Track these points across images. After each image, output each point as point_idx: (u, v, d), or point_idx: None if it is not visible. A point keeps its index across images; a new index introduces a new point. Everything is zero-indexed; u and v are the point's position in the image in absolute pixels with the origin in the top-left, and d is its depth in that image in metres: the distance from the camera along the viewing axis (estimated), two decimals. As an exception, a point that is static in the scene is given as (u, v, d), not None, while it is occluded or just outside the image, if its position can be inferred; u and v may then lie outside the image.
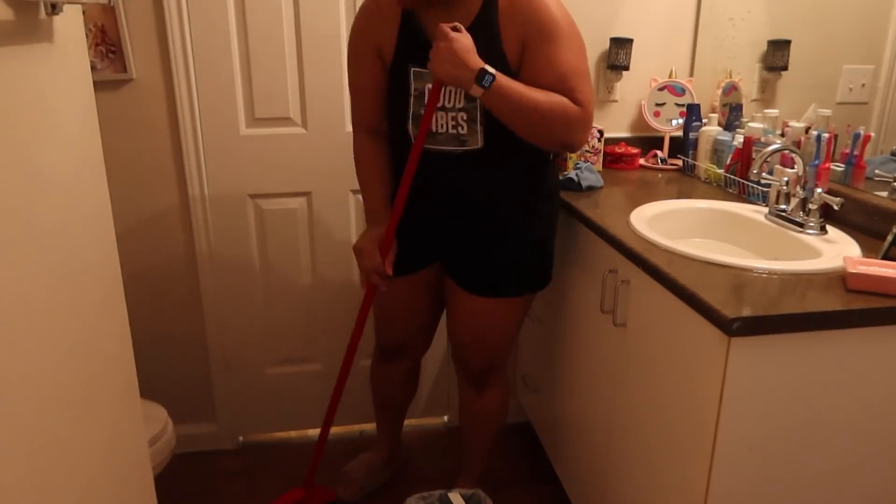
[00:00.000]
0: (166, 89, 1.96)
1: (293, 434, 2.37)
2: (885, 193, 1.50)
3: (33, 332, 0.84)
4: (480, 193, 1.58)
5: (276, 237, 2.15)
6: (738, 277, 1.23)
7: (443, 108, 1.51)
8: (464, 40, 1.38)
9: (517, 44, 1.44)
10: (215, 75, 1.97)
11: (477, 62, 1.38)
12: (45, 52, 0.93)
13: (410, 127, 1.55)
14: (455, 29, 1.39)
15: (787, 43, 1.90)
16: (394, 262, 1.66)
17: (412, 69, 1.51)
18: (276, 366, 2.29)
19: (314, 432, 2.38)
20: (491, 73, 1.37)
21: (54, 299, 0.91)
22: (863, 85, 1.61)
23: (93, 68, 1.89)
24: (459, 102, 1.49)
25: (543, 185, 1.64)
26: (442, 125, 1.52)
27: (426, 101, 1.50)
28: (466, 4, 1.45)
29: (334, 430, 2.37)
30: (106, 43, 1.88)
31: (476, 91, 1.38)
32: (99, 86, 1.87)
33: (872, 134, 1.56)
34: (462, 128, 1.50)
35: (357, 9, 1.99)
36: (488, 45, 1.43)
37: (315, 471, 1.91)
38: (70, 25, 1.04)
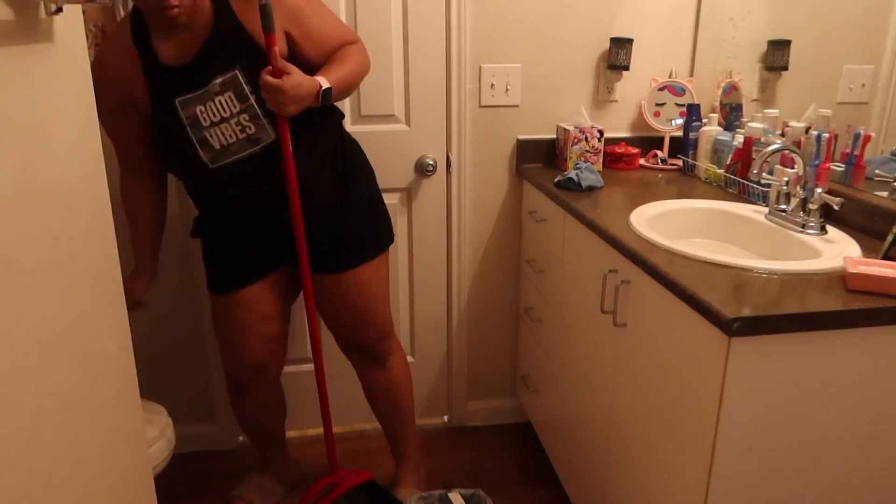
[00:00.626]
0: (166, 89, 1.96)
1: (293, 434, 2.37)
2: (885, 193, 1.49)
3: (33, 332, 0.84)
4: (299, 176, 1.59)
5: (276, 237, 2.15)
6: (738, 277, 1.23)
7: (222, 121, 1.52)
8: (294, 77, 1.44)
9: (279, 33, 1.50)
10: (215, 75, 1.97)
11: (314, 84, 1.47)
12: (45, 52, 0.93)
13: (202, 154, 1.55)
14: (274, 72, 1.43)
15: (787, 43, 1.90)
16: (234, 274, 1.70)
17: (177, 101, 1.51)
18: (276, 366, 2.28)
19: (314, 432, 2.38)
20: (328, 86, 1.49)
21: (54, 299, 0.91)
22: (863, 85, 1.61)
23: (93, 68, 1.89)
24: (235, 107, 1.51)
25: (347, 147, 1.70)
26: (230, 135, 1.53)
27: (278, 141, 1.52)
28: (199, 16, 1.48)
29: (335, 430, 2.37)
30: (106, 43, 1.88)
31: (318, 104, 1.49)
32: (99, 86, 1.87)
33: (873, 134, 1.56)
34: (250, 128, 1.53)
35: (356, 12, 2.00)
36: (238, 42, 1.49)
37: (335, 455, 1.84)
38: (70, 25, 1.04)
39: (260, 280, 1.71)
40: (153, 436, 1.75)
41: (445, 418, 2.47)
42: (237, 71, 1.50)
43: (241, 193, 1.60)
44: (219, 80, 1.50)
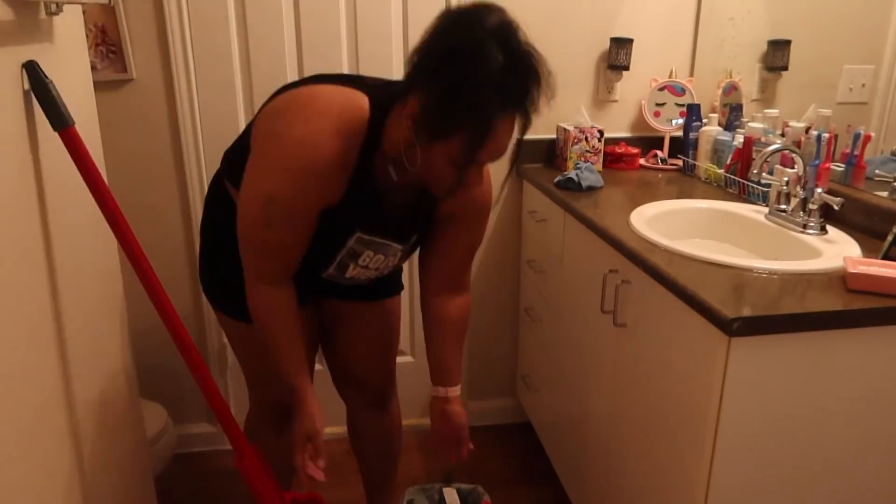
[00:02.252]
0: (166, 89, 1.96)
1: (293, 434, 2.37)
2: (885, 193, 1.49)
3: (34, 332, 0.84)
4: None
5: (276, 237, 2.15)
6: (738, 277, 1.23)
7: (374, 270, 1.38)
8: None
9: (446, 211, 1.36)
10: (215, 75, 1.97)
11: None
12: (45, 52, 0.93)
13: (329, 269, 1.35)
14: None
15: (787, 43, 1.90)
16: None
17: (359, 233, 1.29)
18: (277, 366, 2.29)
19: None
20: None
21: (55, 300, 0.91)
22: (863, 85, 1.61)
23: (93, 68, 1.89)
24: (393, 263, 1.39)
25: None
26: (366, 277, 1.41)
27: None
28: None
29: (335, 430, 2.37)
30: (106, 43, 1.88)
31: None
32: (99, 86, 1.87)
33: (873, 134, 1.56)
34: (382, 273, 1.43)
35: (357, 11, 2.00)
36: (429, 214, 1.35)
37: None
38: (70, 25, 1.05)
39: (307, 302, 1.51)
40: (153, 436, 1.76)
41: (445, 418, 2.47)
42: (416, 237, 1.38)
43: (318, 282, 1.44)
44: (411, 241, 1.36)
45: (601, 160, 2.14)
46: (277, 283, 1.29)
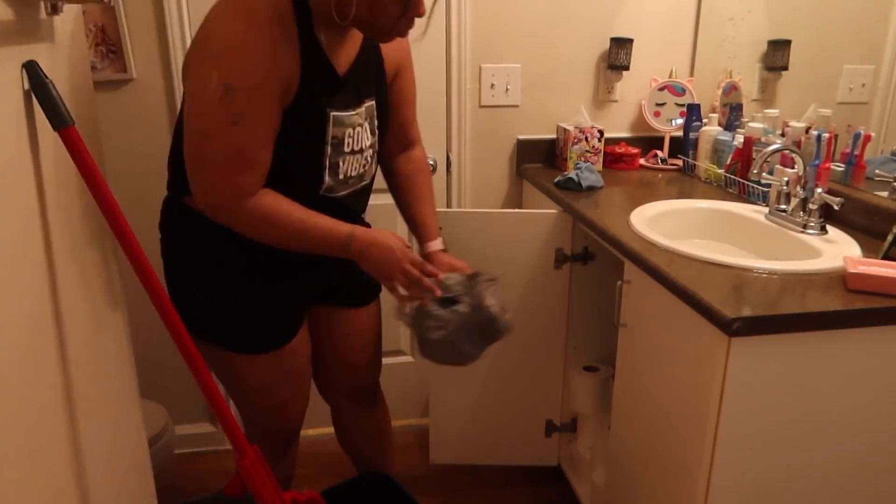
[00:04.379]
0: (166, 89, 1.96)
1: (293, 434, 2.37)
2: (885, 193, 1.49)
3: (34, 332, 0.84)
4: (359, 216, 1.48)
5: (276, 237, 2.15)
6: (738, 277, 1.23)
7: (359, 152, 1.33)
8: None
9: (393, 69, 1.40)
10: (215, 75, 1.97)
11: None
12: (45, 52, 0.93)
13: (327, 177, 1.29)
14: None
15: (788, 43, 1.90)
16: (287, 323, 1.43)
17: (331, 113, 1.24)
18: (276, 366, 2.29)
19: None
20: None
21: (54, 299, 0.91)
22: (863, 85, 1.61)
23: (93, 68, 1.89)
24: (367, 140, 1.35)
25: None
26: (355, 168, 1.34)
27: (370, 182, 1.41)
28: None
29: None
30: (106, 43, 1.88)
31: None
32: (99, 86, 1.87)
33: (873, 134, 1.56)
34: (366, 164, 1.38)
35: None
36: (377, 69, 1.36)
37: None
38: (70, 25, 1.05)
39: (303, 322, 1.49)
40: (153, 436, 1.76)
41: (445, 418, 2.47)
42: (374, 101, 1.35)
43: None
44: (366, 105, 1.32)
45: (601, 160, 2.14)
46: (258, 193, 1.21)
